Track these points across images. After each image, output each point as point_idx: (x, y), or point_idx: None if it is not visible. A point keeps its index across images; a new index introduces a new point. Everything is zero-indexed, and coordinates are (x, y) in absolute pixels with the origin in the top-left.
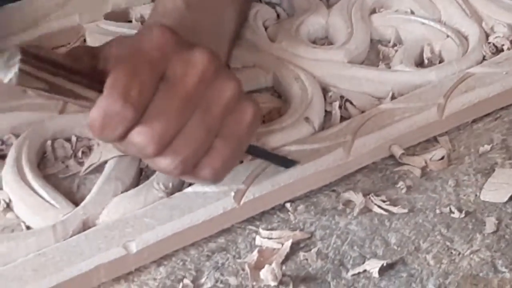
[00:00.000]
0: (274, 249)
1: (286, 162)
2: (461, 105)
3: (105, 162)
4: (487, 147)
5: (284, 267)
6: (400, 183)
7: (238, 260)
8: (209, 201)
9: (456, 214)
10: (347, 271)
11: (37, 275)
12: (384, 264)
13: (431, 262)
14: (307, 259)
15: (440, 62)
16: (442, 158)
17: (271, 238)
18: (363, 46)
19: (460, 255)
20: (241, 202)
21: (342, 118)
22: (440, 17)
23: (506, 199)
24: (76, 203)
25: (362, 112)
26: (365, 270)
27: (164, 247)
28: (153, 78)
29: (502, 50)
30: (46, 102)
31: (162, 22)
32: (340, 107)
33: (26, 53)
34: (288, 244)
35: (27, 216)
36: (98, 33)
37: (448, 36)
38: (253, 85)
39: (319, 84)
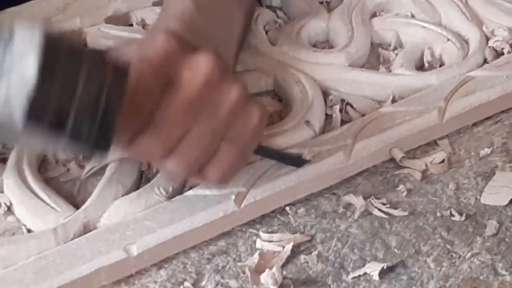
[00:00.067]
0: (275, 252)
1: (297, 161)
2: (461, 109)
3: (106, 165)
4: (488, 150)
5: (284, 270)
6: (401, 186)
7: (239, 263)
8: (209, 204)
9: (457, 217)
10: (348, 274)
11: (38, 278)
12: (385, 267)
13: (432, 265)
14: (307, 262)
15: (440, 66)
16: (443, 161)
17: (271, 241)
18: (363, 49)
19: (461, 258)
20: (242, 205)
21: (343, 122)
22: (440, 20)
23: (506, 202)
24: (77, 206)
25: (363, 115)
26: (365, 273)
27: (165, 250)
28: (158, 84)
29: (502, 54)
30: None
31: (172, 24)
32: (340, 110)
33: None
34: (288, 247)
35: (28, 219)
36: (99, 37)
37: (448, 39)
38: (254, 89)
39: (320, 87)
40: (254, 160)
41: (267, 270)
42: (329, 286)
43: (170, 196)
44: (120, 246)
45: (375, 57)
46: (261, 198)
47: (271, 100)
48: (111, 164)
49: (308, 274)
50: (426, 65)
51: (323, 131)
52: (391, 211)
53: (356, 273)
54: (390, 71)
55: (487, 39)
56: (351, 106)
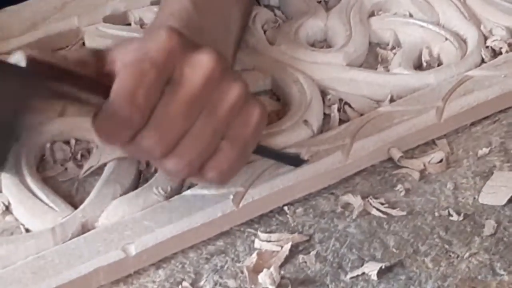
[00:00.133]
0: (273, 252)
1: (295, 161)
2: (459, 108)
3: (104, 164)
4: (486, 150)
5: (283, 270)
6: (399, 186)
7: (237, 263)
8: (208, 204)
9: (455, 217)
10: (346, 273)
11: (36, 278)
12: (383, 267)
13: (430, 265)
14: (306, 262)
15: (438, 65)
16: (441, 161)
17: (270, 241)
18: (361, 49)
19: (459, 258)
20: (240, 205)
21: (341, 121)
22: (438, 20)
23: (504, 202)
24: (75, 206)
25: (361, 115)
26: (363, 273)
27: (163, 250)
28: (159, 82)
29: (501, 53)
30: (45, 105)
31: (169, 23)
32: (338, 110)
33: (31, 59)
34: (287, 247)
35: (26, 219)
36: (97, 36)
37: (446, 39)
38: (252, 88)
39: (318, 87)
40: (253, 160)
41: (265, 270)
42: (327, 286)
43: (169, 196)
44: (118, 246)
45: (373, 57)
46: (260, 197)
47: (269, 100)
48: (109, 164)
49: (306, 274)
50: (424, 64)
51: (321, 130)
52: (389, 210)
53: (354, 273)
54: (388, 70)
55: (485, 38)
56: (349, 106)
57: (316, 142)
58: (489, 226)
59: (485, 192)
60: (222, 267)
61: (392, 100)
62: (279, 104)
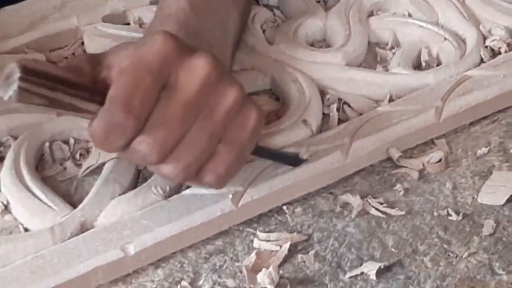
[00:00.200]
0: (272, 251)
1: (294, 161)
2: (458, 108)
3: (103, 164)
4: (485, 149)
5: (281, 270)
6: (398, 186)
7: (236, 263)
8: (207, 203)
9: (454, 217)
10: (345, 273)
11: (35, 277)
12: (382, 267)
13: (429, 265)
14: (304, 261)
15: (437, 65)
16: (440, 160)
17: (269, 241)
18: (360, 48)
19: (458, 258)
20: (239, 205)
21: (340, 121)
22: (437, 20)
23: (503, 201)
24: (74, 205)
25: (360, 114)
26: (362, 273)
27: (162, 249)
28: (155, 88)
29: (499, 53)
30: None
31: (167, 25)
32: (338, 109)
33: (25, 70)
34: (286, 246)
35: (25, 218)
36: (96, 35)
37: (445, 39)
38: (251, 88)
39: (317, 86)
40: (252, 160)
41: (264, 269)
42: (326, 285)
43: (168, 195)
44: (117, 245)
45: (372, 56)
46: (258, 197)
47: (268, 99)
48: (108, 163)
49: (305, 273)
50: (423, 64)
51: (320, 130)
52: (388, 210)
53: (353, 273)
54: (387, 70)
55: (484, 38)
56: (348, 105)
57: (315, 141)
58: (488, 225)
59: (484, 192)
60: (221, 266)
61: (391, 100)
62: (278, 103)
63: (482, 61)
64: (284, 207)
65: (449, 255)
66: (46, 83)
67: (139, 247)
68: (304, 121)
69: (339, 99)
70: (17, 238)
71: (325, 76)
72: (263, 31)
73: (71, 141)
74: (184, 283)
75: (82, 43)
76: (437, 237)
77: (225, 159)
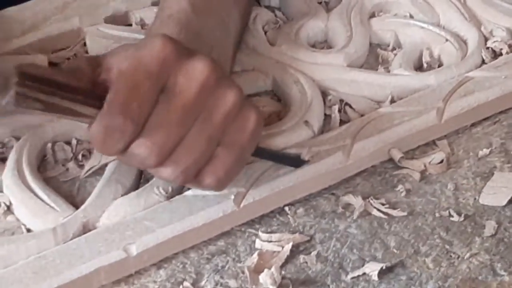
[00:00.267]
0: (274, 252)
1: (296, 162)
2: (460, 109)
3: (105, 165)
4: (486, 151)
5: (283, 270)
6: (400, 187)
7: (238, 263)
8: (209, 204)
9: (455, 218)
10: (347, 274)
11: (37, 278)
12: (384, 267)
13: (430, 265)
14: (306, 262)
15: (439, 66)
16: (441, 161)
17: (271, 241)
18: (362, 50)
19: (459, 259)
20: (241, 205)
21: (342, 122)
22: (439, 21)
23: (505, 202)
24: (76, 206)
25: (362, 115)
26: (364, 273)
27: (164, 250)
28: (153, 91)
29: (501, 54)
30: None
31: (167, 27)
32: (339, 110)
33: (22, 75)
34: (288, 247)
35: (28, 219)
36: (98, 37)
37: (447, 40)
38: (252, 89)
39: (319, 87)
40: (253, 161)
41: (266, 270)
42: (328, 286)
43: (170, 196)
44: (119, 246)
45: (374, 58)
46: (260, 198)
47: (269, 100)
48: (111, 164)
49: (307, 274)
50: (425, 65)
51: (322, 131)
52: (390, 211)
53: (355, 273)
54: (388, 71)
55: (486, 39)
56: (350, 106)
57: (316, 142)
58: (490, 226)
59: (485, 193)
60: (223, 267)
61: (392, 101)
62: (279, 104)
63: (483, 62)
64: (286, 208)
65: (451, 256)
66: (43, 88)
67: (141, 247)
68: (306, 122)
69: (341, 100)
70: (19, 238)
71: (326, 77)
72: (265, 32)
73: (74, 142)
74: (186, 283)
75: (84, 44)
76: (439, 238)
77: (224, 161)
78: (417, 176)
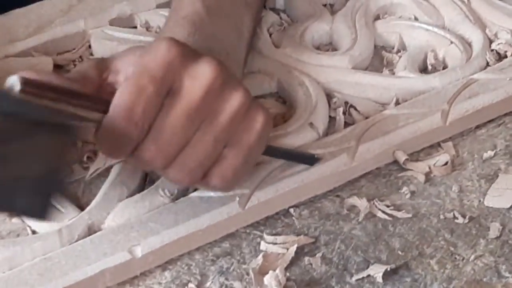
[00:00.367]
0: (279, 254)
1: (309, 160)
2: (464, 111)
3: (111, 167)
4: (491, 153)
5: (288, 272)
6: (404, 189)
7: (243, 265)
8: (214, 206)
9: (460, 220)
10: (351, 276)
11: (42, 279)
12: (388, 269)
13: (435, 267)
14: (311, 264)
15: (443, 68)
16: (446, 163)
17: (275, 243)
18: (367, 52)
19: (464, 260)
20: (246, 207)
21: (346, 124)
22: (443, 23)
23: (509, 204)
24: (81, 208)
25: (366, 118)
26: (369, 275)
27: (169, 251)
28: (158, 96)
29: (506, 57)
30: None
31: (181, 28)
32: (344, 113)
33: (26, 82)
34: (292, 249)
35: (33, 221)
36: (103, 39)
37: (452, 42)
38: (257, 91)
39: (323, 90)
40: (259, 162)
41: (270, 271)
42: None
43: (175, 198)
44: (124, 248)
45: (379, 60)
46: (265, 200)
47: (275, 102)
48: (116, 166)
49: (312, 276)
50: (430, 67)
51: (327, 133)
52: (394, 213)
53: (360, 275)
54: (393, 73)
55: (490, 41)
56: (355, 109)
57: (321, 144)
58: (494, 228)
59: (490, 195)
60: (228, 269)
61: (397, 103)
62: (284, 106)
63: (488, 64)
64: (291, 210)
65: (455, 258)
66: (47, 95)
67: (147, 249)
68: (311, 124)
69: (346, 103)
70: (24, 240)
71: (331, 79)
72: (270, 35)
73: (79, 144)
74: (191, 285)
75: (89, 46)
76: (443, 240)
77: (232, 162)
78: (421, 178)
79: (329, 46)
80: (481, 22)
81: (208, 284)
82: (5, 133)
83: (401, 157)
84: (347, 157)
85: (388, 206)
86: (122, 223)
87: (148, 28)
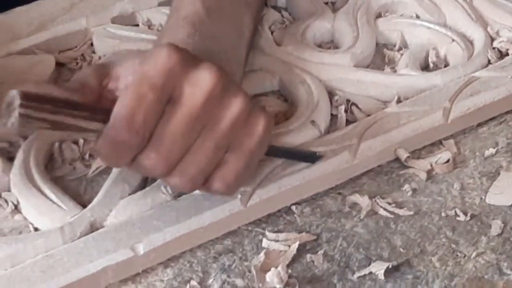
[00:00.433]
0: (281, 251)
1: (311, 158)
2: (466, 109)
3: None
4: (492, 150)
5: (290, 269)
6: (406, 186)
7: (245, 262)
8: (216, 203)
9: (462, 217)
10: (353, 273)
11: (45, 277)
12: (390, 266)
13: (437, 265)
14: (313, 261)
15: (445, 66)
16: (448, 161)
17: (277, 241)
18: (368, 50)
19: (466, 258)
20: (248, 204)
21: (348, 122)
22: (445, 21)
23: (511, 202)
24: (83, 205)
25: (368, 115)
26: (370, 272)
27: (171, 248)
28: (158, 104)
29: (507, 55)
30: None
31: (182, 29)
32: (346, 110)
33: (25, 96)
34: (294, 246)
35: (35, 218)
36: (105, 37)
37: (453, 40)
38: (259, 89)
39: (325, 87)
40: (262, 160)
41: (272, 269)
42: (335, 285)
43: (177, 195)
44: (126, 245)
45: (380, 58)
46: (267, 197)
47: (276, 100)
48: None
49: (313, 273)
50: (431, 65)
51: (329, 131)
52: (396, 210)
53: (362, 272)
54: (395, 71)
55: (492, 39)
56: (356, 106)
57: (323, 142)
58: (496, 226)
59: (491, 193)
60: (230, 266)
61: (399, 101)
62: (286, 104)
63: (489, 62)
64: (293, 207)
65: (457, 255)
66: (47, 107)
67: (149, 246)
68: (313, 122)
69: (347, 100)
70: (27, 237)
71: (333, 77)
72: (271, 33)
73: (81, 141)
74: (193, 282)
75: (91, 44)
76: (445, 237)
77: (233, 167)
78: (423, 175)
79: (330, 44)
80: (482, 20)
81: (210, 281)
82: None
83: (403, 154)
84: (348, 155)
85: (389, 204)
86: (124, 221)
87: (150, 26)
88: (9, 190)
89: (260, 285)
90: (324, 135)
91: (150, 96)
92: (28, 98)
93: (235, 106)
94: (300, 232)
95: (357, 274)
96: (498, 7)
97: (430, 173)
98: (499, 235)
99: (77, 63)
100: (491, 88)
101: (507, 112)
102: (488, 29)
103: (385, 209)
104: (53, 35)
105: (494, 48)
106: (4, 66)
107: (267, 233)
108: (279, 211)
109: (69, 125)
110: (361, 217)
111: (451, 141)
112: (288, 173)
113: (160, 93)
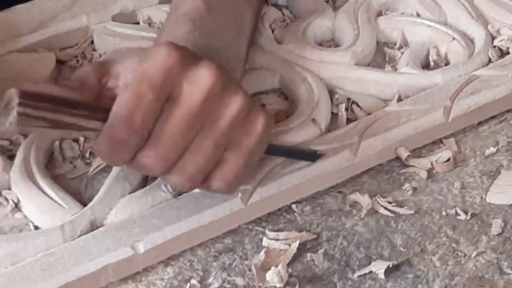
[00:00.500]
0: (281, 250)
1: (311, 156)
2: (467, 108)
3: None
4: (493, 149)
5: (290, 268)
6: (406, 185)
7: (245, 261)
8: (216, 202)
9: (462, 216)
10: (353, 272)
11: (45, 275)
12: (390, 265)
13: (437, 264)
14: (313, 260)
15: (446, 65)
16: (448, 160)
17: (278, 239)
18: (369, 48)
19: (466, 257)
20: (248, 203)
21: (349, 120)
22: (446, 19)
23: (511, 201)
24: (84, 204)
25: (369, 114)
26: (371, 271)
27: (172, 247)
28: (157, 103)
29: (508, 53)
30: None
31: (182, 25)
32: (346, 109)
33: (24, 95)
34: (295, 245)
35: (36, 216)
36: (106, 34)
37: (454, 38)
38: (259, 87)
39: (326, 86)
40: (262, 159)
41: (273, 268)
42: (335, 284)
43: (177, 194)
44: (127, 243)
45: (381, 56)
46: (268, 196)
47: (277, 99)
48: None
49: (314, 272)
50: (432, 64)
51: (329, 129)
52: (396, 209)
53: (362, 271)
54: (395, 70)
55: (493, 38)
56: (357, 105)
57: (324, 141)
58: (496, 225)
59: (492, 192)
60: (230, 264)
61: (399, 100)
62: (287, 102)
63: (490, 61)
64: (293, 206)
65: (457, 254)
66: (46, 106)
67: (149, 245)
68: (313, 120)
69: (348, 99)
70: (27, 236)
71: (333, 75)
72: (272, 31)
73: (81, 139)
74: (193, 281)
75: (92, 42)
76: (445, 236)
77: (233, 165)
78: (424, 174)
79: (331, 42)
80: (483, 19)
81: (210, 280)
82: None
83: (403, 153)
84: (349, 153)
85: (390, 203)
86: (124, 219)
87: (150, 24)
88: (9, 188)
89: (260, 284)
90: (324, 133)
91: (149, 95)
92: (26, 97)
93: (234, 104)
94: (300, 231)
95: (357, 273)
96: (498, 5)
97: (430, 172)
98: (500, 234)
99: (77, 61)
100: (492, 87)
101: (507, 111)
102: (489, 27)
103: (385, 208)
104: (53, 33)
105: (494, 47)
106: (5, 64)
107: (267, 232)
108: (279, 209)
109: (68, 124)
110: (362, 216)
111: (452, 139)
112: (288, 171)
113: (159, 92)
